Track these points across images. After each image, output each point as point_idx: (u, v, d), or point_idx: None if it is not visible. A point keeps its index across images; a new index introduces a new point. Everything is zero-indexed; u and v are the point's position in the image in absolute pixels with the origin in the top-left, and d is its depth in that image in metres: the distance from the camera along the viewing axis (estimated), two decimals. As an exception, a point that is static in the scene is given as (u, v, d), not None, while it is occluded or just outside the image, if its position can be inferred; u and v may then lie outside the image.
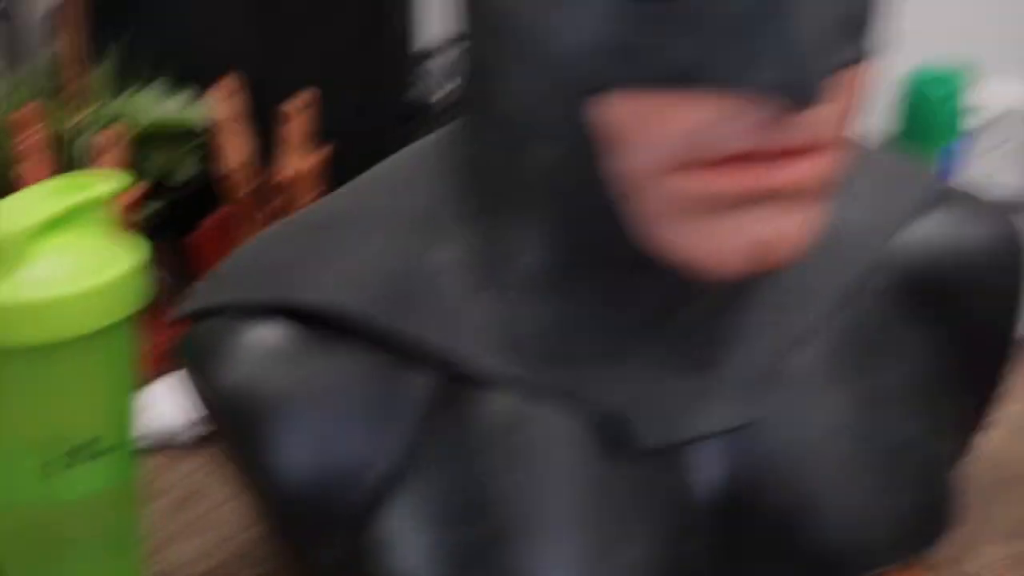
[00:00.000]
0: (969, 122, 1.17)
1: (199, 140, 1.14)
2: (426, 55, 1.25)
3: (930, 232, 0.67)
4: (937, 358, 0.67)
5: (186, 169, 1.13)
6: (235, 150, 1.04)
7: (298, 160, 1.03)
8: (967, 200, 0.69)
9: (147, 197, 1.10)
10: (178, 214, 1.11)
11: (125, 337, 0.66)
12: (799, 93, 0.48)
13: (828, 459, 0.62)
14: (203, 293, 0.62)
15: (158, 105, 1.13)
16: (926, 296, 0.67)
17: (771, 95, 0.49)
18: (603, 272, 0.58)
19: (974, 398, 0.69)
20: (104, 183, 0.67)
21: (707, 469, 0.61)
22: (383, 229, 0.61)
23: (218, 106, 1.05)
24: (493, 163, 0.58)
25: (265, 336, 0.59)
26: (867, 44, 0.54)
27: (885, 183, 0.68)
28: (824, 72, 0.49)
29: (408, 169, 0.64)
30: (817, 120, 0.51)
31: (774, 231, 0.52)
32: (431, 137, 0.65)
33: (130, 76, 1.19)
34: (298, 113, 1.04)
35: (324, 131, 1.11)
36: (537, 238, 0.58)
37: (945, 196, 0.69)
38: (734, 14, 0.49)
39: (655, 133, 0.51)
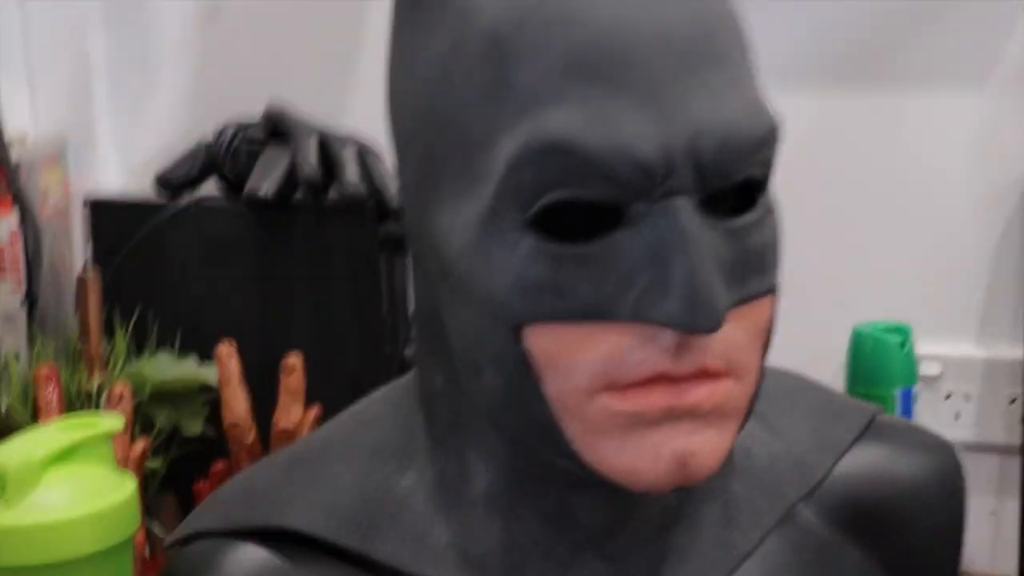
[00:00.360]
0: (913, 375, 1.20)
1: (204, 399, 1.19)
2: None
3: (871, 460, 0.67)
4: (881, 574, 0.66)
5: (193, 425, 1.18)
6: (237, 405, 1.09)
7: (295, 413, 1.08)
8: (910, 431, 0.70)
9: (157, 451, 1.14)
10: (188, 465, 1.15)
11: (122, 561, 0.68)
12: (701, 322, 0.51)
13: None
14: (192, 520, 0.65)
15: (167, 368, 1.20)
16: (866, 523, 0.66)
17: (676, 324, 0.52)
18: (547, 494, 0.60)
19: None
20: (106, 422, 0.71)
21: None
22: (356, 459, 0.63)
23: (221, 367, 1.10)
24: (448, 395, 0.62)
25: (246, 558, 0.61)
26: (770, 281, 0.57)
27: (824, 412, 0.69)
28: (724, 302, 0.52)
29: (379, 406, 0.67)
30: (724, 345, 0.54)
31: (692, 445, 0.54)
32: (401, 379, 0.68)
33: (142, 345, 1.26)
34: (292, 372, 1.09)
35: (321, 386, 1.15)
36: (488, 463, 0.60)
37: (887, 427, 0.70)
38: (639, 254, 0.54)
39: (578, 359, 0.53)
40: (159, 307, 1.28)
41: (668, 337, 0.53)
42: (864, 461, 0.67)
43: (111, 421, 0.70)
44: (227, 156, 1.29)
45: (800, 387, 0.70)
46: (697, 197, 0.53)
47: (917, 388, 1.22)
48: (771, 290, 0.57)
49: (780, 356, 0.71)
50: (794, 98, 1.28)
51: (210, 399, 1.19)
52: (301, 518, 0.61)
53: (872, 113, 1.29)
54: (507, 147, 0.53)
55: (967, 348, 1.30)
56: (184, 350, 1.25)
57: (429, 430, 0.63)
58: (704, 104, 0.53)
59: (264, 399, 1.14)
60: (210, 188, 1.33)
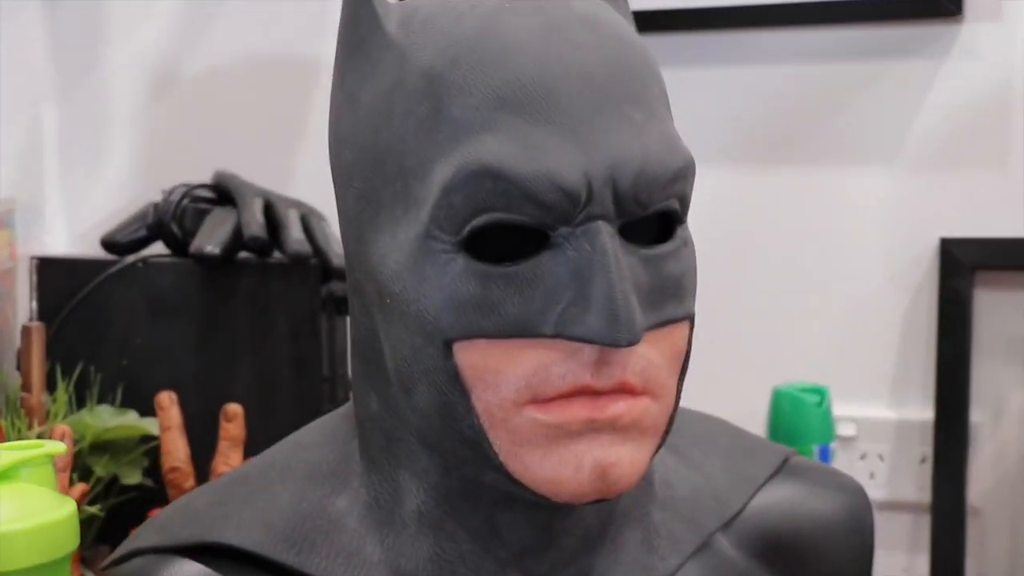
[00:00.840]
0: (830, 432, 1.21)
1: (144, 449, 1.18)
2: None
3: (786, 496, 0.69)
4: None
5: (132, 475, 1.17)
6: (177, 450, 1.07)
7: (234, 459, 1.05)
8: (823, 471, 0.72)
9: (95, 500, 1.10)
10: (125, 516, 1.13)
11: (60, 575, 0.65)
12: (619, 336, 0.52)
13: None
14: (130, 541, 0.64)
15: (107, 420, 1.19)
16: (780, 553, 0.68)
17: (596, 338, 0.53)
18: (475, 511, 0.60)
19: None
20: (48, 446, 0.68)
21: None
22: (293, 481, 0.64)
23: (161, 413, 1.08)
24: (381, 419, 0.62)
25: (181, 572, 0.61)
26: (686, 308, 0.59)
27: (740, 450, 0.71)
28: (641, 321, 0.53)
29: (316, 432, 0.68)
30: (642, 364, 0.56)
31: (611, 456, 0.55)
32: (339, 408, 0.70)
33: (83, 400, 1.25)
34: (233, 418, 1.07)
35: (259, 439, 1.13)
36: (419, 483, 0.61)
37: (801, 467, 0.72)
38: (562, 274, 0.54)
39: (505, 373, 0.55)
40: (102, 362, 1.27)
41: (589, 352, 0.54)
42: (779, 497, 0.69)
43: (53, 445, 0.67)
44: (174, 216, 1.29)
45: (719, 428, 0.72)
46: (616, 223, 0.55)
47: (834, 446, 1.22)
48: (687, 317, 0.59)
49: (708, 412, 0.70)
50: (721, 174, 1.33)
51: (149, 450, 1.18)
52: (238, 534, 0.61)
53: (791, 188, 1.32)
54: (441, 173, 0.55)
55: (880, 410, 1.31)
56: (126, 405, 1.25)
57: (363, 453, 0.63)
58: (623, 137, 0.55)
59: (203, 450, 1.15)
60: (156, 249, 1.33)
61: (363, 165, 0.59)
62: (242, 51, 1.46)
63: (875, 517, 1.29)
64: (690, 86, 1.32)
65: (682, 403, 0.71)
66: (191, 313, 1.26)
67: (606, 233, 0.54)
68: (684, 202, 0.58)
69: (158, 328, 1.26)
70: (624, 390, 0.56)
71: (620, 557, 0.63)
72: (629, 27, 0.60)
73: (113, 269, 1.27)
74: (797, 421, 1.18)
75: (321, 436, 0.67)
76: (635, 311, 0.53)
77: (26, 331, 1.19)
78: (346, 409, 0.67)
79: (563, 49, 0.56)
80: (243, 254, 1.26)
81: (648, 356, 0.56)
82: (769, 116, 1.31)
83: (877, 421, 1.29)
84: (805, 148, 1.30)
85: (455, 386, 0.56)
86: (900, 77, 1.26)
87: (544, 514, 0.60)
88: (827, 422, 1.19)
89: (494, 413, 0.56)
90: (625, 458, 0.56)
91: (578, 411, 0.55)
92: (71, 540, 0.66)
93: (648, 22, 1.31)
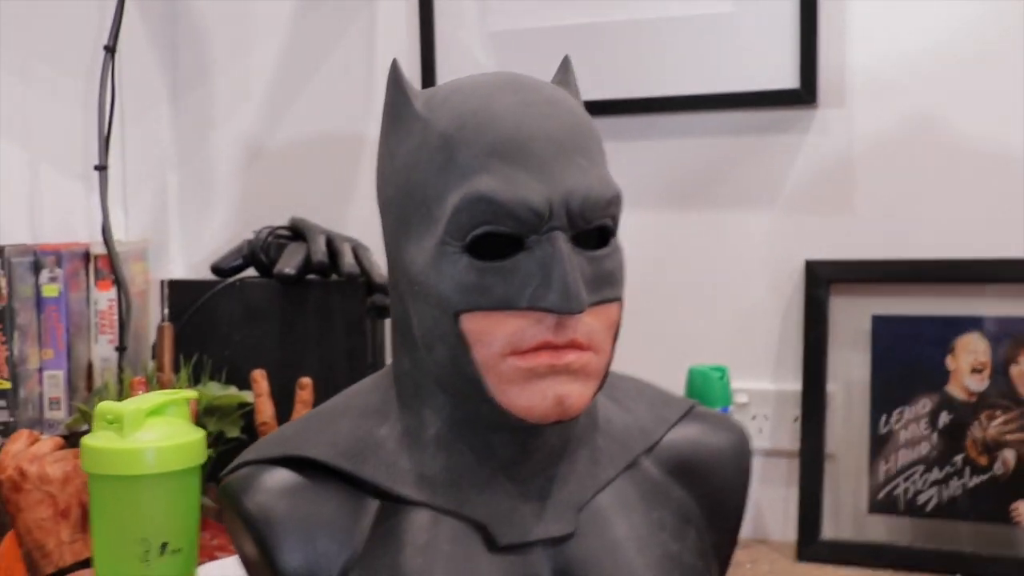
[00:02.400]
0: (728, 399, 1.25)
1: (241, 412, 1.23)
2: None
3: (691, 432, 0.71)
4: (696, 508, 0.70)
5: (233, 430, 1.22)
6: (266, 410, 1.13)
7: (305, 418, 1.11)
8: (718, 417, 0.74)
9: (208, 447, 1.16)
10: (230, 458, 1.12)
11: (192, 480, 0.71)
12: (570, 306, 0.58)
13: (622, 562, 0.65)
14: (239, 458, 0.68)
15: (215, 392, 1.24)
16: (686, 472, 0.70)
17: (555, 308, 0.58)
18: (475, 434, 0.64)
19: (722, 537, 0.71)
20: (186, 393, 0.76)
21: (544, 564, 0.64)
22: (351, 416, 0.68)
23: (255, 384, 1.15)
24: (412, 373, 0.66)
25: (274, 476, 0.64)
26: (617, 292, 0.63)
27: (658, 400, 0.73)
28: (586, 298, 0.58)
29: (368, 383, 0.71)
30: (587, 328, 0.60)
31: (566, 391, 0.60)
32: (383, 368, 0.74)
33: (199, 379, 1.30)
34: (305, 387, 1.14)
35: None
36: (437, 416, 0.64)
37: (703, 413, 0.74)
38: (532, 267, 0.59)
39: (494, 334, 0.59)
40: (212, 353, 1.32)
41: (550, 319, 0.59)
42: (687, 433, 0.72)
43: (187, 393, 0.76)
44: (262, 248, 1.34)
45: (645, 386, 0.76)
46: (569, 233, 0.61)
47: (732, 409, 1.27)
48: (618, 299, 0.64)
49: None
50: (652, 214, 1.38)
51: (245, 413, 1.23)
52: (313, 450, 0.65)
53: (701, 224, 1.35)
54: (452, 200, 0.60)
55: (764, 383, 1.33)
56: (228, 383, 1.29)
57: (399, 397, 0.68)
58: (574, 177, 0.60)
59: (285, 413, 1.18)
60: (249, 273, 1.38)
61: (399, 198, 0.63)
62: (312, 129, 1.52)
63: (760, 461, 1.32)
64: (630, 153, 1.37)
65: (621, 371, 0.77)
66: (274, 319, 1.30)
67: (562, 240, 0.59)
68: (615, 220, 0.63)
69: (251, 329, 1.31)
70: (575, 346, 0.60)
71: (574, 468, 0.66)
72: (579, 104, 0.65)
73: (219, 287, 1.33)
74: (706, 391, 1.23)
75: (369, 386, 0.71)
76: (581, 291, 0.58)
77: (160, 330, 1.26)
78: (387, 368, 0.71)
79: (533, 118, 0.60)
80: (311, 276, 1.31)
81: (591, 324, 0.61)
82: (685, 176, 1.35)
83: (763, 391, 1.32)
84: (709, 196, 1.34)
85: (461, 344, 0.59)
86: (774, 146, 1.31)
87: (521, 435, 0.63)
88: (727, 392, 1.24)
89: (487, 362, 0.59)
90: (575, 392, 0.59)
91: (544, 359, 0.59)
92: (201, 455, 0.74)
93: (601, 108, 1.34)
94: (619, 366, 0.72)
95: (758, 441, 1.32)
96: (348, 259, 1.28)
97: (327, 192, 1.52)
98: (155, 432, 0.72)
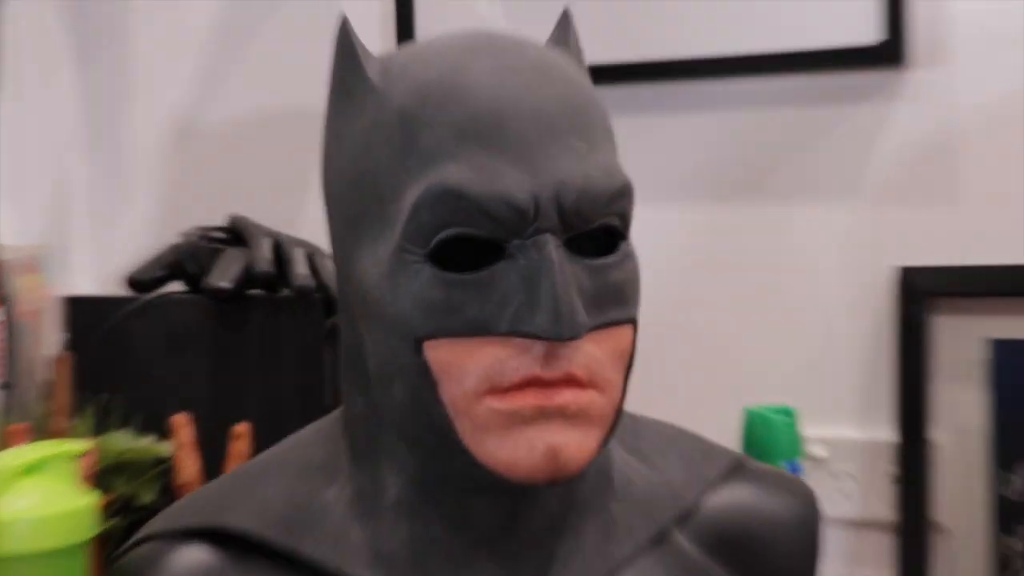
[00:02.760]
0: (798, 450, 1.23)
1: (159, 470, 1.23)
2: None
3: (739, 496, 0.72)
4: None
5: (147, 494, 1.21)
6: (188, 468, 1.14)
7: (240, 476, 1.12)
8: (774, 474, 0.74)
9: (114, 514, 1.17)
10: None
11: (74, 563, 0.73)
12: (563, 331, 0.57)
13: None
14: (144, 528, 0.69)
15: (125, 443, 1.24)
16: (733, 549, 0.71)
17: (543, 333, 0.58)
18: (446, 498, 0.64)
19: None
20: (72, 445, 0.76)
21: None
22: (288, 474, 0.69)
23: (175, 433, 1.16)
24: (366, 417, 0.67)
25: (185, 554, 0.65)
26: (628, 312, 0.63)
27: (695, 453, 0.74)
28: (583, 319, 0.58)
29: (310, 432, 0.72)
30: (586, 359, 0.60)
31: (560, 441, 0.59)
32: (331, 413, 0.73)
33: (105, 427, 1.30)
34: (239, 437, 1.15)
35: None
36: (398, 475, 0.65)
37: (754, 470, 0.74)
38: (514, 280, 0.59)
39: (467, 367, 0.59)
40: (123, 391, 1.32)
41: (538, 348, 0.59)
42: (733, 497, 0.72)
43: (76, 444, 0.76)
44: (191, 255, 1.35)
45: (678, 434, 0.76)
46: (562, 236, 0.61)
47: (803, 464, 1.25)
48: (629, 320, 0.64)
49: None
50: (695, 212, 1.38)
51: (164, 471, 1.23)
52: (237, 520, 0.66)
53: (759, 223, 1.35)
54: (412, 195, 0.61)
55: (848, 430, 1.32)
56: (145, 431, 1.29)
57: (350, 450, 0.68)
58: (567, 164, 0.60)
59: (214, 468, 1.18)
60: (175, 287, 1.38)
61: (348, 193, 0.64)
62: (253, 105, 1.53)
63: (842, 535, 1.31)
64: (667, 132, 1.37)
65: (652, 415, 0.77)
66: (205, 345, 1.30)
67: (552, 244, 0.59)
68: (624, 220, 0.63)
69: (175, 359, 1.31)
70: (571, 381, 0.60)
71: (580, 543, 0.66)
72: (580, 72, 0.65)
73: (134, 306, 1.33)
74: (768, 441, 1.21)
75: (313, 436, 0.72)
76: (577, 311, 0.57)
77: (54, 362, 1.26)
78: (336, 413, 0.72)
79: (515, 89, 0.61)
80: (254, 291, 1.31)
81: (592, 353, 0.60)
82: (737, 158, 1.35)
83: (846, 441, 1.31)
84: (770, 186, 1.34)
85: (425, 380, 0.60)
86: (852, 119, 1.30)
87: (508, 499, 0.64)
88: (795, 440, 1.22)
89: (458, 403, 0.60)
90: (573, 443, 0.59)
91: (530, 399, 0.59)
92: (87, 527, 0.75)
93: (627, 73, 1.35)
94: (648, 409, 0.72)
95: (840, 508, 1.32)
96: (301, 269, 1.28)
97: (276, 184, 1.53)
98: (29, 498, 0.72)
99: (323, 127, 0.68)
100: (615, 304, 0.62)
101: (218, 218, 1.43)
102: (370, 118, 0.63)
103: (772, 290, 1.35)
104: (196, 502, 0.68)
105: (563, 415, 0.59)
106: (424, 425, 0.62)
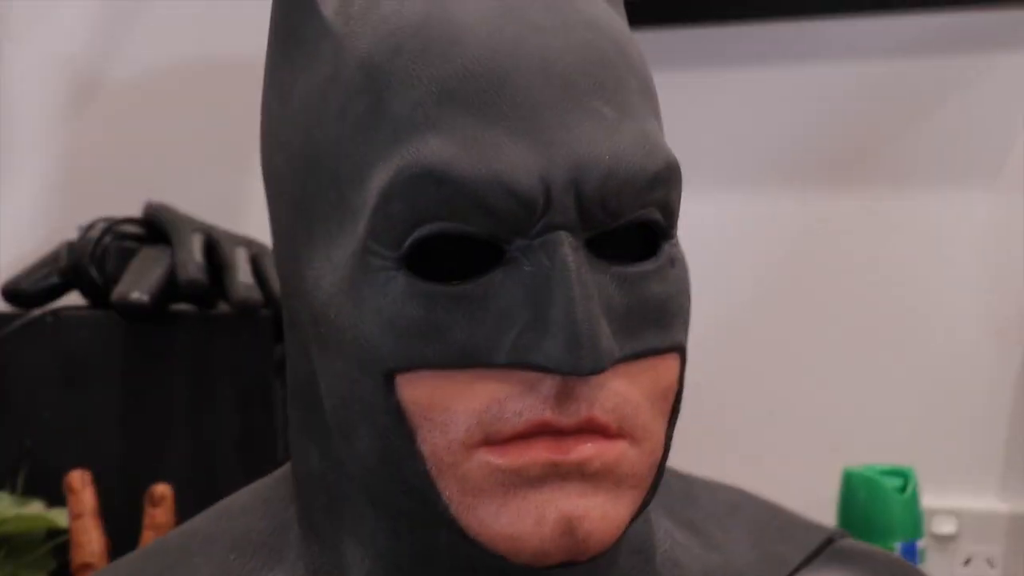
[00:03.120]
0: (918, 526, 1.24)
1: (50, 545, 1.22)
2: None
3: None
4: None
5: None
6: (89, 543, 1.13)
7: (159, 555, 1.10)
8: (876, 556, 0.75)
9: None
10: None
11: None
12: (581, 362, 0.57)
13: None
14: None
15: (2, 510, 1.22)
16: None
17: (554, 365, 0.57)
18: None
19: None
20: None
21: None
22: (219, 553, 0.68)
23: (72, 497, 1.14)
24: (323, 475, 0.67)
25: None
26: (672, 338, 0.63)
27: (771, 528, 0.74)
28: (610, 346, 0.58)
29: (248, 496, 0.72)
30: (615, 400, 0.60)
31: (580, 509, 0.59)
32: (277, 470, 0.74)
33: None
34: (160, 502, 1.13)
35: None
36: (365, 551, 0.65)
37: (850, 551, 0.75)
38: (517, 293, 0.59)
39: (454, 410, 0.59)
40: (1, 439, 1.31)
41: (549, 384, 0.58)
42: None
43: None
44: (93, 257, 1.34)
45: (746, 501, 0.76)
46: (582, 235, 0.60)
47: (924, 544, 1.26)
48: (674, 348, 0.63)
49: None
50: (775, 200, 1.38)
51: (58, 547, 1.22)
52: None
53: (866, 218, 1.36)
54: (379, 178, 0.60)
55: (987, 501, 1.33)
56: (29, 493, 1.28)
57: (302, 519, 0.68)
58: (589, 135, 0.60)
59: (125, 544, 1.16)
60: (71, 300, 1.38)
61: (294, 171, 0.64)
62: (180, 53, 1.53)
63: None
64: (736, 89, 1.37)
65: (717, 478, 0.76)
66: (113, 378, 1.30)
67: (567, 245, 0.59)
68: (668, 213, 0.63)
69: (72, 397, 1.31)
70: (594, 429, 0.59)
71: None
72: (608, 10, 0.65)
73: (15, 325, 1.32)
74: (874, 511, 1.21)
75: (253, 501, 0.71)
76: (601, 334, 0.57)
77: None
78: (284, 470, 0.71)
79: (520, 33, 0.61)
80: (179, 305, 1.31)
81: (623, 392, 0.60)
82: (836, 126, 1.35)
83: (982, 514, 1.32)
84: (882, 166, 1.34)
85: (398, 427, 0.60)
86: (1008, 73, 1.30)
87: None
88: (913, 512, 1.22)
89: (442, 458, 0.59)
90: (596, 511, 0.59)
91: (537, 453, 0.59)
92: None
93: (677, 11, 1.36)
94: (710, 470, 0.72)
95: None
96: (242, 276, 1.29)
97: (210, 161, 1.53)
98: None
99: (263, 84, 0.67)
100: (654, 326, 0.62)
101: (131, 206, 1.43)
102: (325, 71, 0.63)
103: (882, 309, 1.36)
104: None
105: (582, 474, 0.60)
106: (397, 486, 0.62)
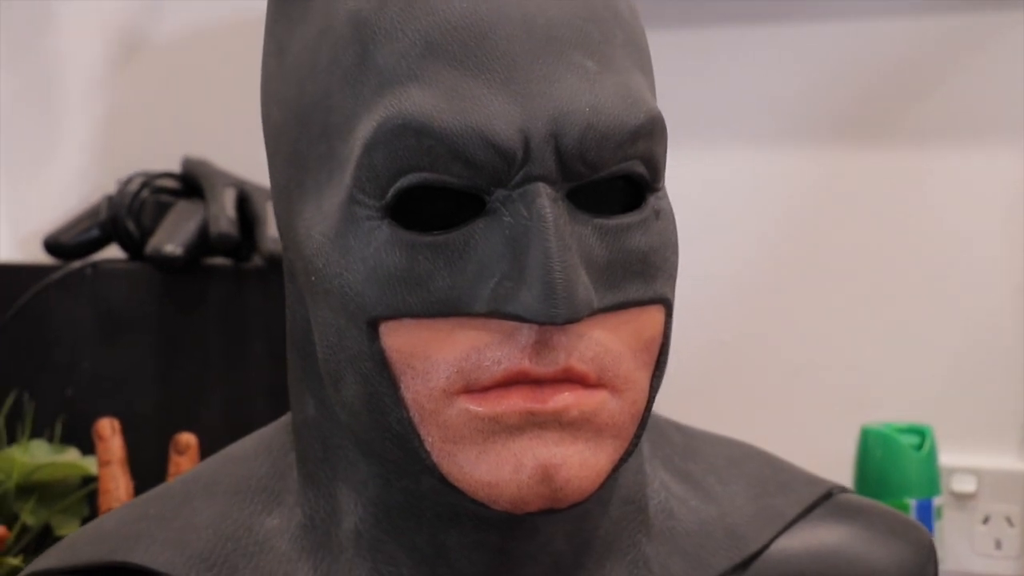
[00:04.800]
0: (935, 484, 1.23)
1: (83, 492, 1.24)
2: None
3: (824, 538, 0.72)
4: None
5: (68, 524, 1.22)
6: (117, 489, 1.15)
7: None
8: (877, 511, 0.75)
9: (22, 551, 1.17)
10: None
11: None
12: (557, 311, 0.57)
13: None
14: (35, 562, 0.70)
15: (40, 456, 1.25)
16: None
17: (531, 314, 0.58)
18: (419, 530, 0.65)
19: None
20: None
21: None
22: (217, 497, 0.69)
23: (101, 445, 1.16)
24: (319, 423, 0.67)
25: None
26: (655, 289, 0.63)
27: (771, 482, 0.73)
28: (587, 295, 0.58)
29: (251, 443, 0.73)
30: (595, 350, 0.61)
31: (558, 457, 0.59)
32: (280, 418, 0.74)
33: (13, 433, 1.31)
34: (186, 450, 1.15)
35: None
36: (358, 497, 0.66)
37: (849, 505, 0.74)
38: (497, 243, 0.59)
39: (435, 358, 0.60)
40: (40, 390, 1.33)
41: (527, 333, 0.59)
42: (816, 539, 0.72)
43: None
44: (131, 210, 1.36)
45: (748, 455, 0.76)
46: (562, 186, 0.61)
47: (942, 502, 1.25)
48: (657, 300, 0.63)
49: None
50: (798, 158, 1.37)
51: (92, 493, 1.24)
52: (147, 554, 0.67)
53: (890, 174, 1.35)
54: (364, 129, 0.61)
55: (1008, 459, 1.32)
56: (67, 441, 1.30)
57: (300, 466, 0.69)
58: (570, 87, 0.60)
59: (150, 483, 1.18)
60: (109, 252, 1.40)
61: (289, 125, 0.65)
62: (216, 13, 1.53)
63: None
64: (757, 46, 1.36)
65: (739, 434, 0.75)
66: (148, 330, 1.32)
67: (546, 196, 0.59)
68: (652, 165, 0.63)
69: (109, 348, 1.32)
70: (572, 378, 0.60)
71: None
72: None
73: (55, 276, 1.34)
74: (890, 468, 1.21)
75: (255, 447, 0.72)
76: (578, 283, 0.58)
77: None
78: (286, 418, 0.72)
79: None
80: (212, 257, 1.32)
81: (604, 342, 0.61)
82: (860, 82, 1.34)
83: (1002, 474, 1.30)
84: (909, 122, 1.33)
85: (382, 374, 0.61)
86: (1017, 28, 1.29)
87: (496, 534, 0.64)
88: (929, 470, 1.22)
89: (424, 405, 0.60)
90: (574, 459, 0.60)
91: (515, 401, 0.59)
92: None
93: None
94: (726, 427, 0.71)
95: (993, 564, 1.30)
96: (273, 229, 1.29)
97: (245, 116, 1.49)
98: None
99: (263, 41, 0.68)
100: (637, 278, 0.63)
101: (169, 161, 1.44)
102: (318, 25, 0.64)
103: (905, 266, 1.35)
104: (99, 531, 0.69)
105: (560, 423, 0.60)
106: (382, 433, 0.62)
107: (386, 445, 0.63)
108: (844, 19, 1.35)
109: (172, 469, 1.15)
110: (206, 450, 1.17)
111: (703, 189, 1.37)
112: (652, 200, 0.63)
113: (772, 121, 1.37)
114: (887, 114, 1.35)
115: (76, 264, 1.35)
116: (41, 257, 1.42)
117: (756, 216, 1.40)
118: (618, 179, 0.63)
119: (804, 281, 1.38)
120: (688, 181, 1.29)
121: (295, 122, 0.64)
